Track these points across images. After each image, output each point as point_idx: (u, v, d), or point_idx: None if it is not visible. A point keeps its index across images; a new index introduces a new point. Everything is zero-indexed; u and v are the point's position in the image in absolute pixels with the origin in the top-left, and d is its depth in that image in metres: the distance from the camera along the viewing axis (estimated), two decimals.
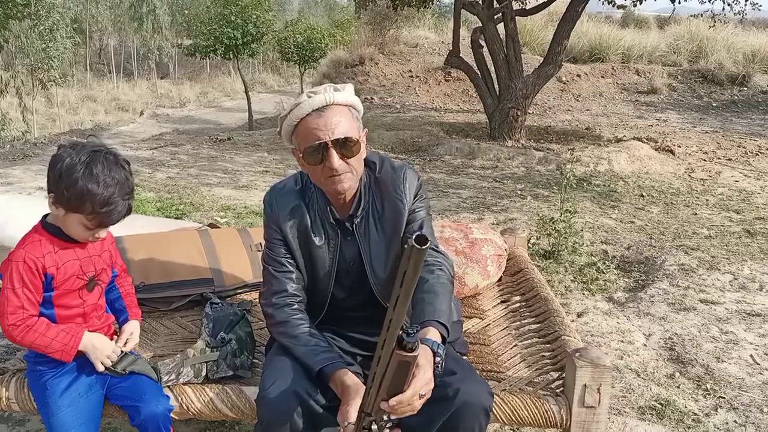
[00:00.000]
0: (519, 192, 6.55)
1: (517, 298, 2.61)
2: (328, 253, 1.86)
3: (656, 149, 8.44)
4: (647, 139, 9.03)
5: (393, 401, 1.35)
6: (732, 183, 7.11)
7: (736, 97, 13.53)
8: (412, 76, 14.29)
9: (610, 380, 1.81)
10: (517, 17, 9.28)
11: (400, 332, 1.19)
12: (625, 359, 3.19)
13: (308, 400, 1.65)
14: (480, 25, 9.36)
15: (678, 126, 11.13)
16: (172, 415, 1.80)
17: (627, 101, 13.59)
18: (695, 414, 2.72)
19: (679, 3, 9.36)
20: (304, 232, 1.85)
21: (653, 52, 15.34)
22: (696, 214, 5.85)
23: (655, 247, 4.76)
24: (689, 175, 7.45)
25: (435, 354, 1.54)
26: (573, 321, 3.56)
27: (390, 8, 11.40)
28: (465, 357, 2.00)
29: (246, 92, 14.25)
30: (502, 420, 1.83)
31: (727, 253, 4.67)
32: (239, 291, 2.61)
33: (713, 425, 2.65)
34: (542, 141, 9.27)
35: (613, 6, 9.72)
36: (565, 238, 4.39)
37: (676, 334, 3.44)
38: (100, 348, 1.77)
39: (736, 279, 4.17)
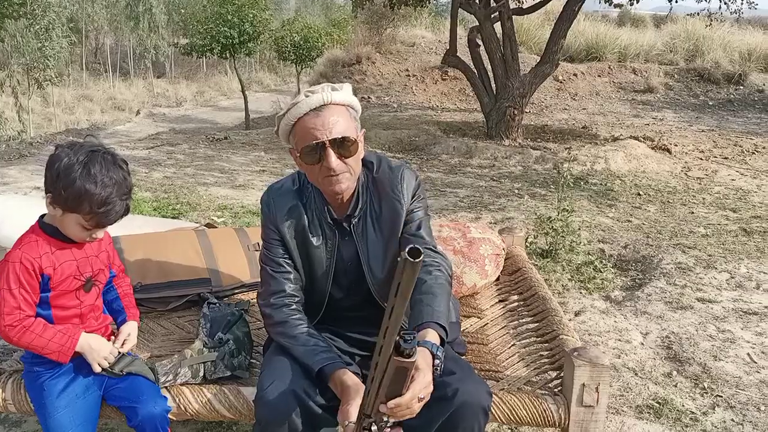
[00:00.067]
0: (516, 191, 6.56)
1: (515, 297, 2.61)
2: (325, 253, 1.85)
3: (653, 148, 8.45)
4: (644, 138, 9.04)
5: (391, 404, 1.34)
6: (728, 182, 7.13)
7: (732, 96, 13.55)
8: (409, 75, 14.29)
9: (609, 379, 1.81)
10: (513, 16, 9.28)
11: (398, 338, 1.19)
12: (623, 358, 3.19)
13: (307, 400, 1.65)
14: (477, 24, 9.36)
15: (674, 125, 11.15)
16: (169, 416, 1.80)
17: (623, 100, 13.60)
18: (693, 413, 2.72)
19: (676, 2, 9.38)
20: (302, 232, 1.84)
21: (650, 51, 15.36)
22: (693, 212, 5.86)
23: (652, 245, 4.77)
24: (686, 174, 7.46)
25: (434, 357, 1.54)
26: (570, 320, 3.57)
27: (387, 7, 11.40)
28: (463, 356, 2.00)
29: (243, 91, 14.23)
30: (501, 419, 1.83)
31: (724, 252, 4.68)
32: (237, 291, 2.60)
33: (711, 424, 2.65)
34: (539, 140, 9.28)
35: (610, 5, 9.73)
36: (563, 237, 4.39)
37: (673, 332, 3.44)
38: (97, 349, 1.76)
39: (732, 277, 4.18)
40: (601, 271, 4.21)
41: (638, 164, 7.69)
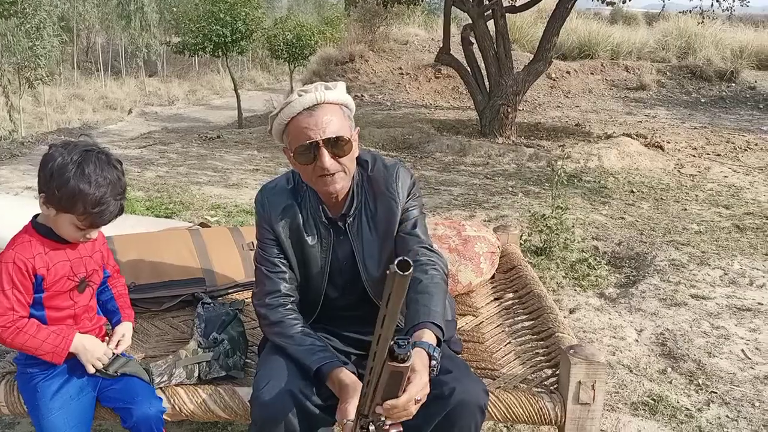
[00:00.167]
0: (510, 189, 6.56)
1: (511, 295, 2.61)
2: (320, 253, 1.85)
3: (646, 145, 8.47)
4: (637, 136, 9.07)
5: (387, 405, 1.35)
6: (721, 178, 7.15)
7: (724, 93, 13.61)
8: (402, 74, 14.28)
9: (605, 377, 1.81)
10: (506, 14, 9.28)
11: (391, 343, 1.19)
12: (618, 355, 3.20)
13: (303, 400, 1.64)
14: (470, 22, 9.36)
15: (667, 122, 11.18)
16: (164, 416, 1.79)
17: (616, 97, 13.64)
18: (688, 409, 2.73)
19: None
20: (297, 232, 1.84)
21: (642, 49, 15.40)
22: (686, 209, 5.88)
23: (645, 242, 4.78)
24: (679, 171, 7.48)
25: (430, 357, 1.53)
26: (565, 317, 3.57)
27: (380, 5, 11.37)
28: (459, 355, 2.00)
29: (235, 90, 14.18)
30: (497, 417, 1.83)
31: (717, 249, 4.69)
32: (231, 291, 2.59)
33: (705, 420, 2.66)
34: (532, 138, 9.29)
35: (602, 2, 9.74)
36: (557, 234, 4.39)
37: (667, 329, 3.45)
38: (91, 350, 1.75)
39: (726, 274, 4.19)
40: (595, 269, 4.22)
41: (631, 161, 7.71)
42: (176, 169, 7.35)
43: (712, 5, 9.94)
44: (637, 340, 3.36)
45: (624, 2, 9.49)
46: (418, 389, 1.43)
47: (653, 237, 4.95)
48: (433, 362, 1.54)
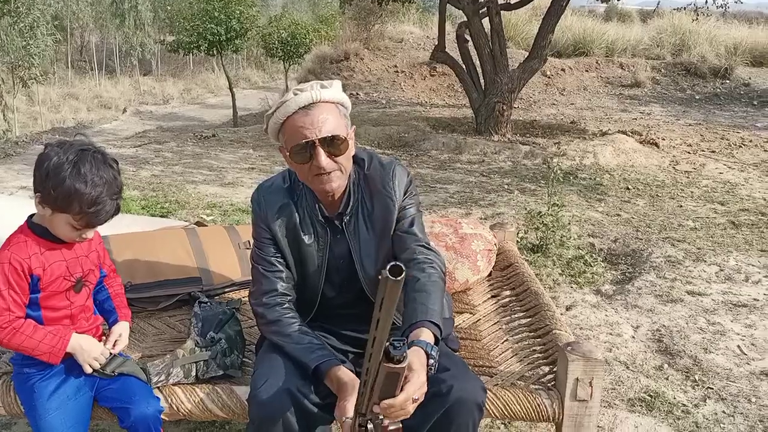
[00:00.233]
0: (506, 186, 6.57)
1: (508, 292, 2.61)
2: (317, 251, 1.85)
3: (641, 142, 8.49)
4: (632, 133, 9.08)
5: (384, 404, 1.35)
6: (716, 175, 7.18)
7: (718, 90, 13.65)
8: (397, 72, 14.27)
9: (602, 374, 1.81)
10: (501, 11, 9.29)
11: (387, 344, 1.19)
12: (614, 351, 3.20)
13: (301, 398, 1.64)
14: (465, 19, 9.36)
15: (662, 119, 11.21)
16: (162, 416, 1.78)
17: (611, 95, 13.66)
18: (684, 405, 2.74)
19: None
20: (293, 230, 1.83)
21: (637, 46, 15.43)
22: (681, 206, 5.89)
23: (641, 239, 4.79)
24: (674, 168, 7.50)
25: (428, 356, 1.53)
26: (562, 314, 3.57)
27: (374, 3, 11.37)
28: (456, 353, 2.00)
29: (230, 88, 14.16)
30: (495, 415, 1.83)
31: (713, 245, 4.71)
32: (228, 289, 2.58)
33: (702, 416, 2.67)
34: (528, 135, 9.30)
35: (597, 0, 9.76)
36: (553, 231, 4.40)
37: (663, 325, 3.46)
38: (88, 350, 1.74)
39: (722, 270, 4.21)
40: (591, 266, 4.23)
41: (627, 158, 7.72)
42: (171, 168, 7.33)
43: (706, 2, 9.96)
44: (633, 337, 3.37)
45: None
46: (415, 388, 1.43)
47: (649, 234, 4.96)
48: (431, 361, 1.54)
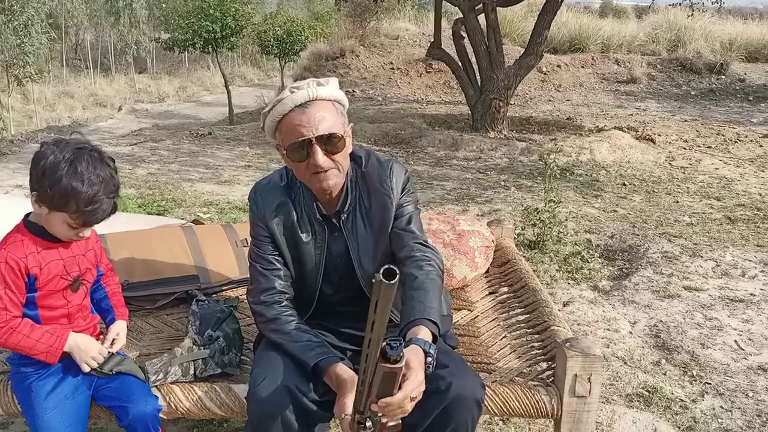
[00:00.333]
0: (503, 183, 6.57)
1: (505, 289, 2.61)
2: (315, 249, 1.84)
3: (637, 138, 8.50)
4: (628, 129, 9.10)
5: (382, 403, 1.35)
6: (712, 170, 7.19)
7: (714, 86, 13.67)
8: (393, 68, 14.25)
9: (601, 370, 1.82)
10: (497, 8, 9.28)
11: (384, 344, 1.20)
12: (612, 347, 3.21)
13: (300, 396, 1.64)
14: (461, 16, 9.35)
15: (658, 115, 11.22)
16: (160, 415, 1.78)
17: (607, 91, 13.67)
18: (682, 400, 2.74)
19: None
20: (291, 229, 1.83)
21: (632, 42, 15.45)
22: (677, 201, 5.90)
23: (638, 235, 4.80)
24: (670, 164, 7.51)
25: (426, 354, 1.53)
26: (559, 310, 3.58)
27: (370, 0, 11.34)
28: (455, 350, 2.00)
29: (226, 86, 14.11)
30: (494, 411, 1.83)
31: (709, 240, 4.72)
32: (225, 288, 2.58)
33: (700, 411, 2.67)
34: (524, 132, 9.30)
35: None
36: (550, 228, 4.40)
37: (661, 321, 3.47)
38: (85, 349, 1.73)
39: (718, 265, 4.21)
40: (588, 261, 4.23)
41: (623, 154, 7.73)
42: (168, 166, 7.32)
43: None
44: (630, 332, 3.37)
45: None
46: (413, 387, 1.43)
47: (645, 229, 4.97)
48: (429, 359, 1.54)
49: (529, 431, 2.53)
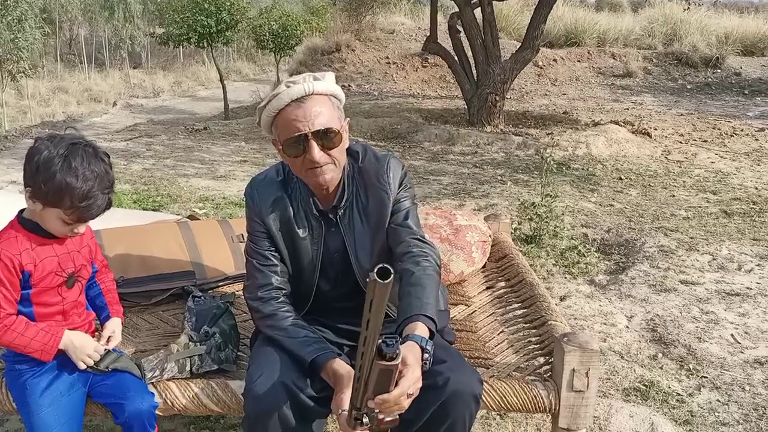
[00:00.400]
0: (499, 177, 6.57)
1: (503, 284, 2.60)
2: (312, 245, 1.83)
3: (633, 132, 8.50)
4: (624, 123, 9.09)
5: (379, 400, 1.35)
6: (708, 164, 7.20)
7: (710, 79, 13.68)
8: (389, 63, 14.22)
9: (599, 364, 1.81)
10: (493, 2, 9.26)
11: (380, 341, 1.19)
12: (609, 341, 3.21)
13: (297, 392, 1.63)
14: (457, 10, 9.32)
15: (654, 109, 11.23)
16: (156, 411, 1.77)
17: (603, 85, 13.67)
18: (679, 394, 2.75)
19: None
20: (287, 224, 1.82)
21: (628, 36, 15.43)
22: (674, 195, 5.91)
23: (634, 229, 4.80)
24: (666, 158, 7.52)
25: (423, 350, 1.53)
26: (556, 305, 3.58)
27: None
28: (452, 345, 1.99)
29: (221, 81, 14.06)
30: (491, 406, 1.83)
31: (706, 234, 4.72)
32: (221, 283, 2.57)
33: (697, 405, 2.68)
34: (520, 126, 9.30)
35: None
36: (546, 222, 4.40)
37: (657, 315, 3.47)
38: (80, 347, 1.72)
39: (714, 259, 4.22)
40: (584, 256, 4.23)
41: (619, 149, 7.73)
42: (163, 162, 7.29)
43: None
44: (627, 327, 3.38)
45: None
46: (410, 383, 1.43)
47: (642, 223, 4.97)
48: (426, 355, 1.53)
49: (526, 426, 2.53)
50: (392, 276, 1.05)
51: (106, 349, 1.77)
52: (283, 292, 1.82)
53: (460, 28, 9.38)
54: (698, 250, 4.35)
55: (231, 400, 1.81)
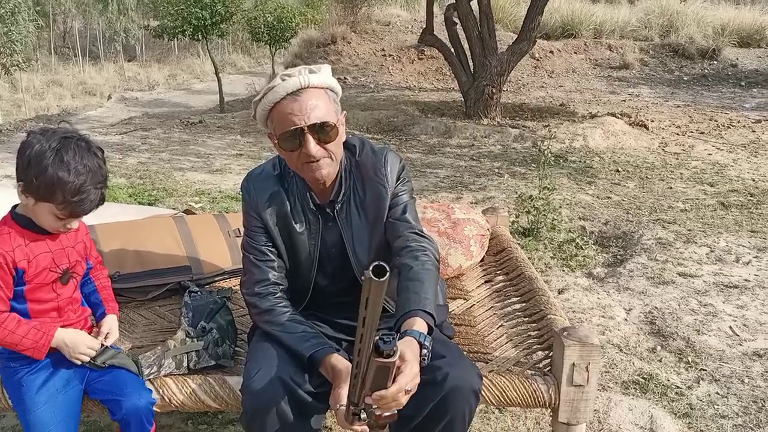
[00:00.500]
0: (496, 170, 6.55)
1: (501, 277, 2.59)
2: (309, 240, 1.82)
3: (630, 124, 8.49)
4: (621, 115, 9.07)
5: (376, 396, 1.34)
6: (705, 156, 7.19)
7: (706, 71, 13.65)
8: (385, 55, 14.16)
9: (599, 358, 1.80)
10: None
11: (377, 338, 1.18)
12: (607, 334, 3.20)
13: (295, 387, 1.62)
14: (453, 1, 9.28)
15: (650, 100, 11.21)
16: (154, 408, 1.76)
17: (600, 77, 13.63)
18: (678, 387, 2.74)
19: None
20: (284, 219, 1.80)
21: (625, 27, 15.37)
22: (671, 188, 5.90)
23: (632, 221, 4.79)
24: (663, 150, 7.51)
25: (421, 346, 1.51)
26: (554, 298, 3.57)
27: None
28: (451, 339, 1.98)
29: (216, 74, 14.01)
30: (491, 401, 1.81)
31: (703, 226, 4.72)
32: (218, 278, 2.55)
33: (696, 397, 2.67)
34: (517, 118, 9.28)
35: None
36: (544, 215, 4.39)
37: (656, 307, 3.47)
38: (73, 345, 1.70)
39: (712, 251, 4.21)
40: (582, 249, 4.22)
41: (616, 141, 7.72)
42: (158, 155, 7.25)
43: None
44: (626, 319, 3.37)
45: None
46: (408, 380, 1.42)
47: (639, 216, 4.96)
48: (424, 351, 1.52)
49: (525, 420, 2.53)
50: (388, 274, 1.04)
51: (103, 346, 1.76)
52: (281, 287, 1.80)
53: (457, 20, 9.33)
54: (696, 243, 4.34)
55: (229, 396, 1.79)
